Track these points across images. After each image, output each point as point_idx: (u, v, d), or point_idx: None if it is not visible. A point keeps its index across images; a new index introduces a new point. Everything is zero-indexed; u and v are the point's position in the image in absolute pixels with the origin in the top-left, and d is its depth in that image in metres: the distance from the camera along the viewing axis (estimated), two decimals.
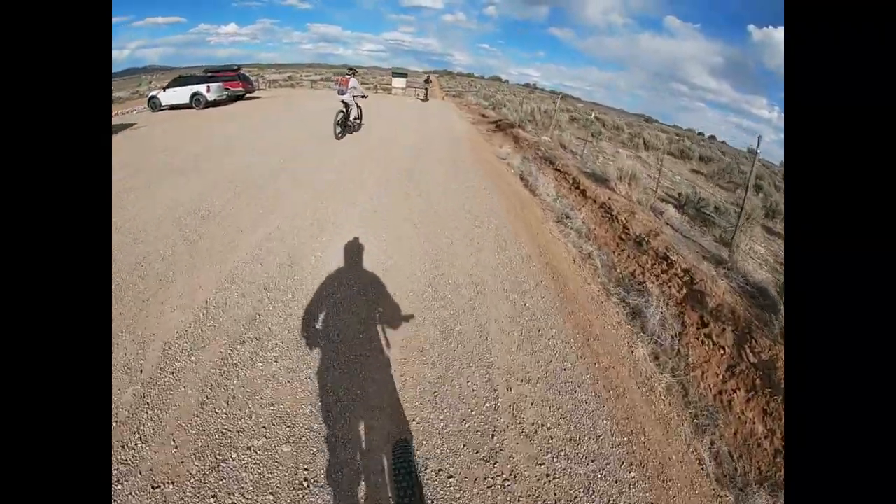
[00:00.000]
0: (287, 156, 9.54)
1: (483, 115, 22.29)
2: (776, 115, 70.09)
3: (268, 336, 3.62)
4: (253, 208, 6.36)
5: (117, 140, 11.17)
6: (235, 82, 22.33)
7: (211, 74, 21.49)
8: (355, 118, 12.54)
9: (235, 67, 23.55)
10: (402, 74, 36.32)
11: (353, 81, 11.60)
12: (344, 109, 11.83)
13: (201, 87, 18.90)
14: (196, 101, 18.95)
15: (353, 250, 5.15)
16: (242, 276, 4.48)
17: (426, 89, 30.70)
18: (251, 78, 25.25)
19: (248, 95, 24.03)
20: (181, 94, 19.12)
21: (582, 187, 9.61)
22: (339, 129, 11.72)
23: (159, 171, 7.96)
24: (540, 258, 5.76)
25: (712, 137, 77.87)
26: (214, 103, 19.55)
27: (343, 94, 11.65)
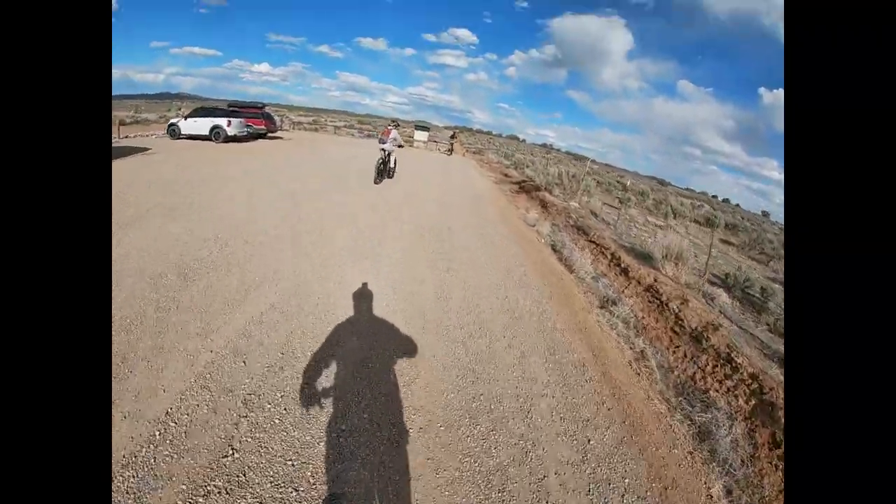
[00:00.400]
0: (298, 207, 8.59)
1: (505, 175, 21.63)
2: None
3: (241, 490, 2.40)
4: (252, 270, 5.26)
5: (127, 163, 10.38)
6: (259, 120, 22.00)
7: (234, 109, 21.18)
8: (391, 166, 13.35)
9: (260, 105, 23.32)
10: (425, 128, 36.54)
11: (394, 133, 12.66)
12: (384, 157, 12.62)
13: (222, 121, 18.44)
14: (215, 135, 18.45)
15: (368, 357, 3.92)
16: (219, 377, 3.29)
17: (451, 144, 32.50)
18: (275, 117, 25.01)
19: (269, 135, 23.71)
20: (201, 125, 18.66)
21: (623, 265, 8.54)
22: (377, 175, 12.49)
23: (150, 208, 6.97)
24: (595, 365, 4.55)
25: (726, 200, 79.60)
26: (234, 139, 19.05)
27: (384, 143, 12.54)
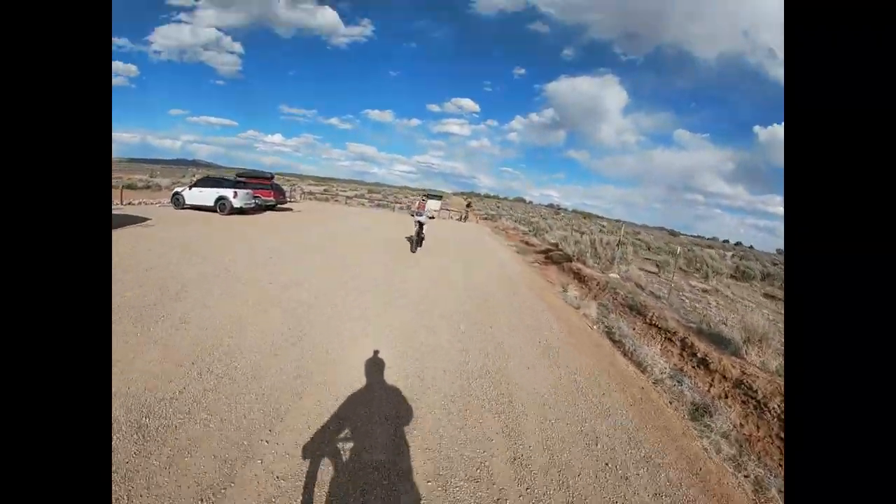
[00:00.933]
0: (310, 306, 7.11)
1: (526, 243, 20.28)
2: None
3: None
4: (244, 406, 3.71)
5: (116, 237, 9.07)
6: (267, 191, 21.20)
7: (242, 180, 20.39)
8: (423, 236, 13.77)
9: (269, 175, 22.61)
10: (437, 196, 35.73)
11: (427, 205, 13.63)
12: (418, 228, 13.30)
13: (228, 192, 17.51)
14: (221, 206, 17.47)
15: None
16: None
17: (466, 212, 35.15)
18: (284, 188, 24.27)
19: (279, 206, 22.87)
20: (206, 196, 17.73)
21: (698, 354, 6.92)
22: (413, 245, 13.47)
23: (122, 305, 5.52)
24: None
25: (738, 244, 78.31)
26: (241, 210, 18.05)
27: (420, 215, 13.24)
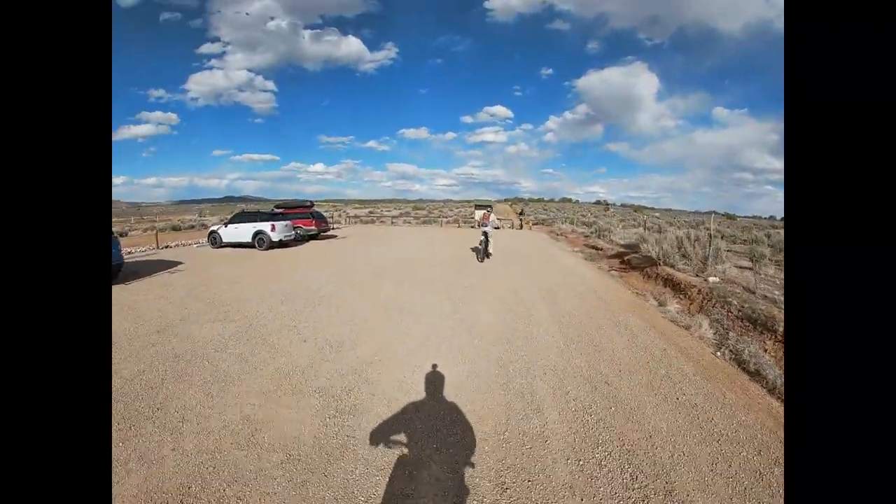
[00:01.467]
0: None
1: (593, 247, 18.12)
2: None
3: None
4: None
5: (136, 289, 8.05)
6: (308, 220, 20.26)
7: (280, 211, 19.51)
8: (489, 246, 14.56)
9: (309, 203, 21.71)
10: (487, 206, 33.90)
11: (492, 217, 14.68)
12: (485, 238, 14.32)
13: (265, 226, 16.56)
14: (259, 241, 16.55)
15: None
16: None
17: (522, 220, 35.95)
18: (325, 215, 23.32)
19: (322, 235, 21.90)
20: (243, 232, 16.88)
21: None
22: (481, 255, 14.30)
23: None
24: None
25: None
26: (281, 244, 17.06)
27: (486, 226, 14.49)
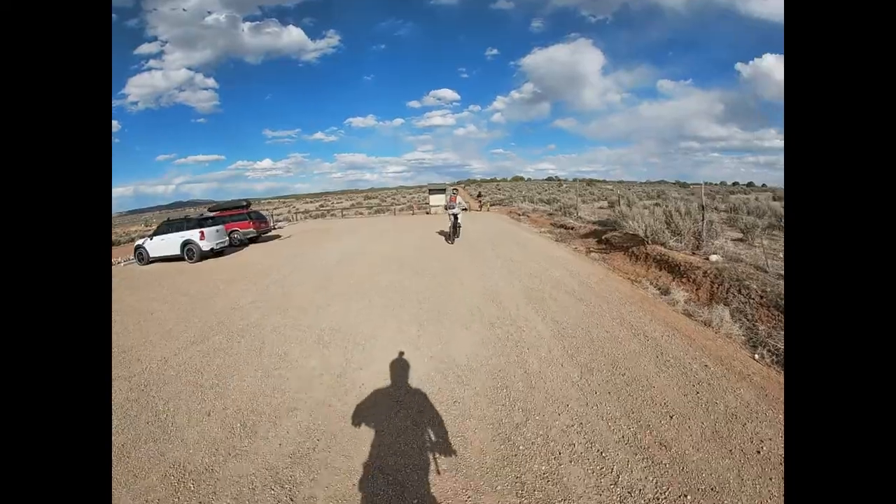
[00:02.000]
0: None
1: (562, 226, 16.75)
2: None
3: None
4: None
5: None
6: (245, 222, 17.86)
7: (211, 215, 17.03)
8: (459, 227, 14.53)
9: (244, 203, 19.17)
10: (441, 190, 31.98)
11: (458, 198, 14.32)
12: (454, 220, 14.20)
13: (193, 234, 14.17)
14: (188, 253, 14.21)
15: None
16: None
17: (480, 203, 33.15)
18: (265, 214, 20.87)
19: (263, 236, 19.50)
20: (171, 244, 14.48)
21: None
22: (451, 238, 14.35)
23: None
24: None
25: (750, 184, 75.96)
26: (215, 253, 14.71)
27: (453, 208, 14.16)
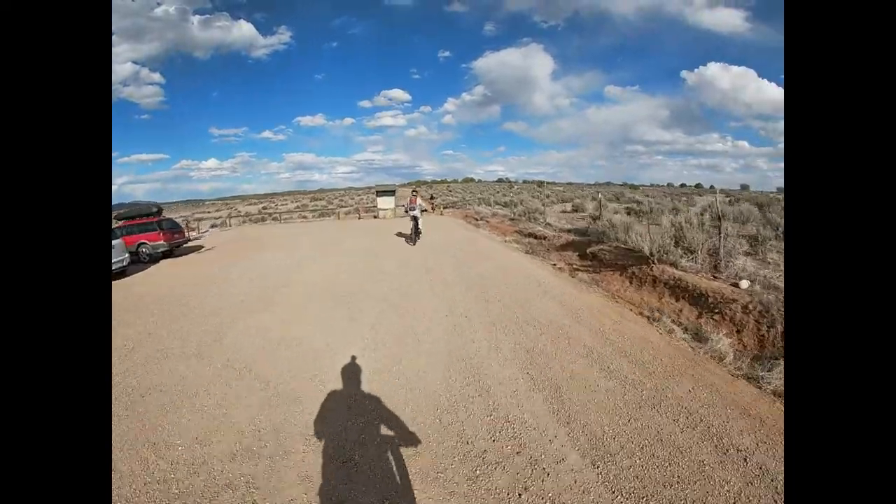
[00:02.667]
0: None
1: (531, 235, 14.76)
2: (730, 145, 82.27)
3: None
4: None
5: None
6: (154, 234, 14.70)
7: (116, 225, 13.83)
8: (420, 230, 14.77)
9: (154, 210, 15.89)
10: (390, 192, 29.38)
11: (418, 200, 14.91)
12: (414, 222, 14.55)
13: None
14: None
15: None
16: None
17: (433, 206, 31.79)
18: (179, 223, 17.61)
19: (179, 250, 16.33)
20: None
21: None
22: (412, 240, 14.56)
23: None
24: None
25: (698, 185, 79.58)
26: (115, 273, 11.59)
27: (413, 210, 14.59)
